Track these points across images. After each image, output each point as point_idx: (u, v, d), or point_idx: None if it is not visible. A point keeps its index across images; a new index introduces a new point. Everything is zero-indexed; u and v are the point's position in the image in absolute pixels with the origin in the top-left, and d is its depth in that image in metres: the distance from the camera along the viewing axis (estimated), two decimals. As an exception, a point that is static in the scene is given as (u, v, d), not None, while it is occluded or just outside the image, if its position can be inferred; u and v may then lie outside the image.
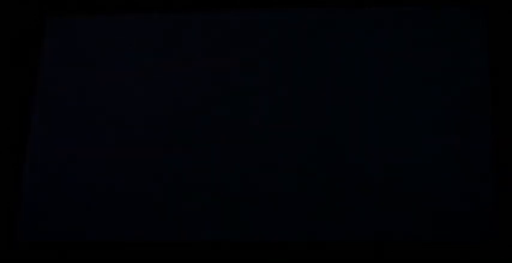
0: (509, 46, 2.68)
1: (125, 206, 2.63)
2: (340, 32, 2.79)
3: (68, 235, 2.62)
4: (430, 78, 2.69)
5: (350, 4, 2.82)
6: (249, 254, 2.53)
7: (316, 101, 2.71)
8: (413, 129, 2.62)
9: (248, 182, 2.62)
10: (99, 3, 2.92)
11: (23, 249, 2.61)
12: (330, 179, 2.59)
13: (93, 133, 2.74)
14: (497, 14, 2.73)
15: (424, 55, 2.72)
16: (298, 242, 2.53)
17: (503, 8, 2.73)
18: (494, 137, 2.58)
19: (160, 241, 2.58)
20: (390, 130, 2.63)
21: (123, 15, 2.91)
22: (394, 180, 2.56)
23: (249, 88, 2.75)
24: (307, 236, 2.54)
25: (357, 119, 2.66)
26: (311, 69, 2.75)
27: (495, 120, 2.60)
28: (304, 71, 2.75)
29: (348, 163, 2.60)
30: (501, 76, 2.65)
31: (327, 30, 2.79)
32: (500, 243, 2.45)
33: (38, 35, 2.90)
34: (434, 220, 2.50)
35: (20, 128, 2.77)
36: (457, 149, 2.58)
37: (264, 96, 2.73)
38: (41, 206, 2.65)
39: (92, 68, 2.84)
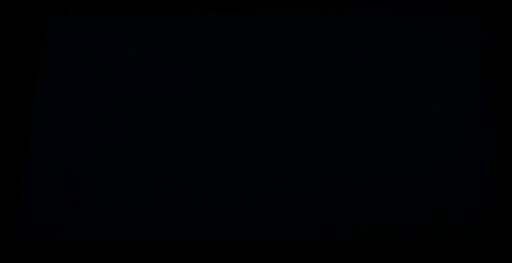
0: (509, 46, 2.68)
1: (125, 205, 2.63)
2: (338, 32, 2.79)
3: (68, 234, 2.62)
4: (429, 78, 2.69)
5: (349, 4, 2.82)
6: (248, 254, 2.53)
7: (314, 101, 2.71)
8: (412, 129, 2.63)
9: (246, 182, 2.62)
10: (100, 3, 2.93)
11: (22, 249, 2.61)
12: (329, 177, 2.59)
13: (94, 132, 2.74)
14: (497, 14, 2.73)
15: (423, 55, 2.72)
16: (297, 241, 2.53)
17: (502, 8, 2.73)
18: (493, 137, 2.59)
19: (160, 240, 2.58)
20: (389, 130, 2.63)
21: (124, 15, 2.91)
22: (393, 179, 2.57)
23: (247, 88, 2.75)
24: (306, 235, 2.54)
25: (356, 119, 2.66)
26: (309, 70, 2.75)
27: (495, 120, 2.60)
28: (302, 72, 2.75)
29: (347, 162, 2.61)
30: (500, 76, 2.65)
31: (325, 31, 2.80)
32: (496, 241, 2.45)
33: (39, 34, 2.90)
34: (433, 218, 2.51)
35: (20, 128, 2.77)
36: (456, 149, 2.59)
37: (262, 96, 2.74)
38: (40, 205, 2.66)
39: (92, 67, 2.84)
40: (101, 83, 2.82)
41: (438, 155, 2.58)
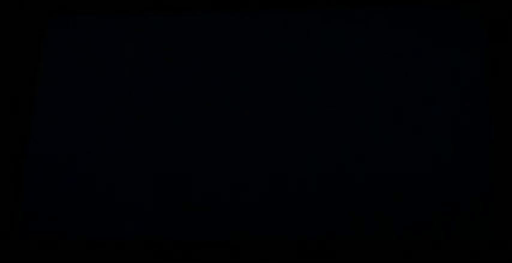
0: (509, 46, 2.68)
1: (125, 205, 2.63)
2: (338, 32, 2.79)
3: (68, 234, 2.62)
4: (429, 78, 2.69)
5: (349, 4, 2.82)
6: (248, 254, 2.53)
7: (314, 101, 2.71)
8: (412, 129, 2.63)
9: (246, 182, 2.62)
10: (100, 3, 2.93)
11: (22, 249, 2.61)
12: (329, 177, 2.59)
13: (94, 132, 2.74)
14: (497, 14, 2.73)
15: (423, 55, 2.72)
16: (297, 241, 2.53)
17: (502, 8, 2.73)
18: (493, 137, 2.59)
19: (160, 240, 2.58)
20: (389, 130, 2.63)
21: (124, 15, 2.91)
22: (393, 179, 2.57)
23: (247, 88, 2.75)
24: (306, 235, 2.54)
25: (356, 119, 2.66)
26: (309, 70, 2.75)
27: (495, 120, 2.60)
28: (302, 72, 2.75)
29: (347, 162, 2.61)
30: (500, 76, 2.65)
31: (325, 31, 2.80)
32: (496, 241, 2.45)
33: (39, 34, 2.90)
34: (433, 218, 2.51)
35: (20, 128, 2.77)
36: (456, 149, 2.59)
37: (262, 96, 2.74)
38: (40, 205, 2.66)
39: (92, 67, 2.84)
40: (101, 83, 2.82)
41: (438, 155, 2.58)
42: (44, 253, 2.59)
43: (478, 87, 2.66)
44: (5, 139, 2.75)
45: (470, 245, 2.46)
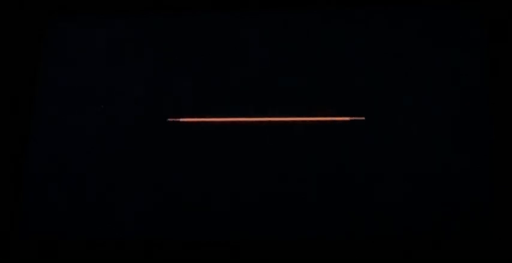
0: (509, 46, 2.68)
1: (125, 205, 2.63)
2: (338, 32, 2.79)
3: (68, 234, 2.62)
4: (429, 78, 2.69)
5: (349, 4, 2.82)
6: (248, 254, 2.53)
7: (315, 101, 2.71)
8: (412, 129, 2.63)
9: (246, 182, 2.62)
10: (100, 3, 2.93)
11: (22, 249, 2.61)
12: (329, 177, 2.59)
13: (93, 132, 2.74)
14: (497, 14, 2.73)
15: (424, 55, 2.72)
16: (297, 241, 2.54)
17: (502, 8, 2.73)
18: (493, 137, 2.59)
19: (160, 240, 2.58)
20: (389, 130, 2.63)
21: (124, 15, 2.91)
22: (393, 179, 2.57)
23: (247, 88, 2.75)
24: (306, 235, 2.54)
25: (356, 119, 2.66)
26: (309, 70, 2.75)
27: (495, 120, 2.60)
28: (302, 72, 2.75)
29: (347, 162, 2.61)
30: (500, 76, 2.65)
31: (325, 31, 2.80)
32: (496, 241, 2.45)
33: (39, 34, 2.90)
34: (433, 218, 2.51)
35: (20, 128, 2.77)
36: (456, 149, 2.59)
37: (262, 96, 2.74)
38: (40, 205, 2.66)
39: (92, 67, 2.84)
40: (100, 83, 2.82)
41: (438, 155, 2.58)
42: (44, 253, 2.59)
43: (478, 87, 2.66)
44: (5, 139, 2.75)
45: (470, 245, 2.46)
